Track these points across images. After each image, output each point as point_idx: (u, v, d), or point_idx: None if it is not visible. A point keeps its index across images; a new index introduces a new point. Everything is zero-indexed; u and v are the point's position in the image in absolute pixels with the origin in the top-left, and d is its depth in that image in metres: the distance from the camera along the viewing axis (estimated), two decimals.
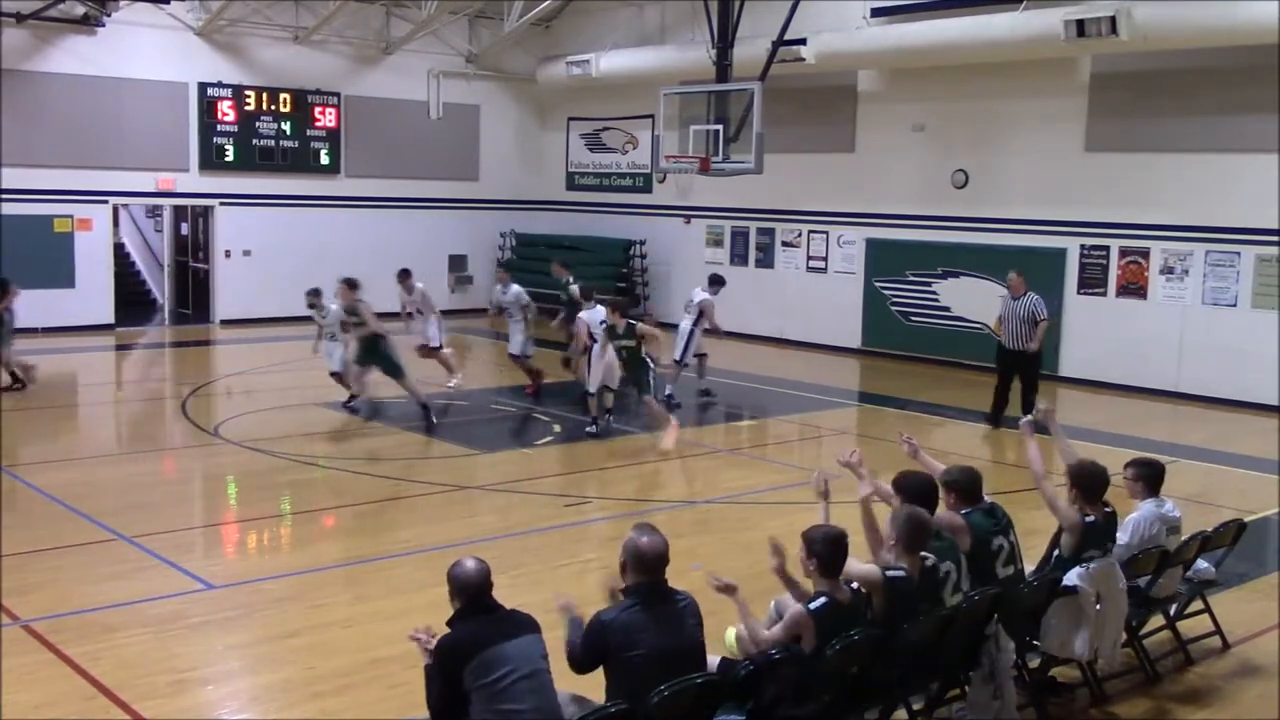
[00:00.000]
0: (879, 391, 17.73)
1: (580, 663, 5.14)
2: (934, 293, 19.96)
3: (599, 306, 14.20)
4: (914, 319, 20.25)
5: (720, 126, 17.99)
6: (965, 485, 6.50)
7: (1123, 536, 6.91)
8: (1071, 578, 6.45)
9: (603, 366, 13.44)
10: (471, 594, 5.00)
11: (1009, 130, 18.94)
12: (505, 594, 5.18)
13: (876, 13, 19.38)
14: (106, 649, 7.04)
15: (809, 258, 21.92)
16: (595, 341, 13.73)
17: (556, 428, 14.25)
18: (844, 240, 21.34)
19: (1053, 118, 18.38)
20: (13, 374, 15.55)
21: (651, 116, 21.14)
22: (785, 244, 22.31)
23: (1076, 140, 18.14)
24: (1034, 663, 6.60)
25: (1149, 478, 7.22)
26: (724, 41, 18.39)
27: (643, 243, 24.53)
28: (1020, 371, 14.80)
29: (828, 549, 5.48)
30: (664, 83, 19.89)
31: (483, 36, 25.17)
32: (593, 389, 13.75)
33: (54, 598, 7.93)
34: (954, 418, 15.56)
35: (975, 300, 19.17)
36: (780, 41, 18.55)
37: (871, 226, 20.82)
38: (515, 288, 16.52)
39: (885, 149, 20.50)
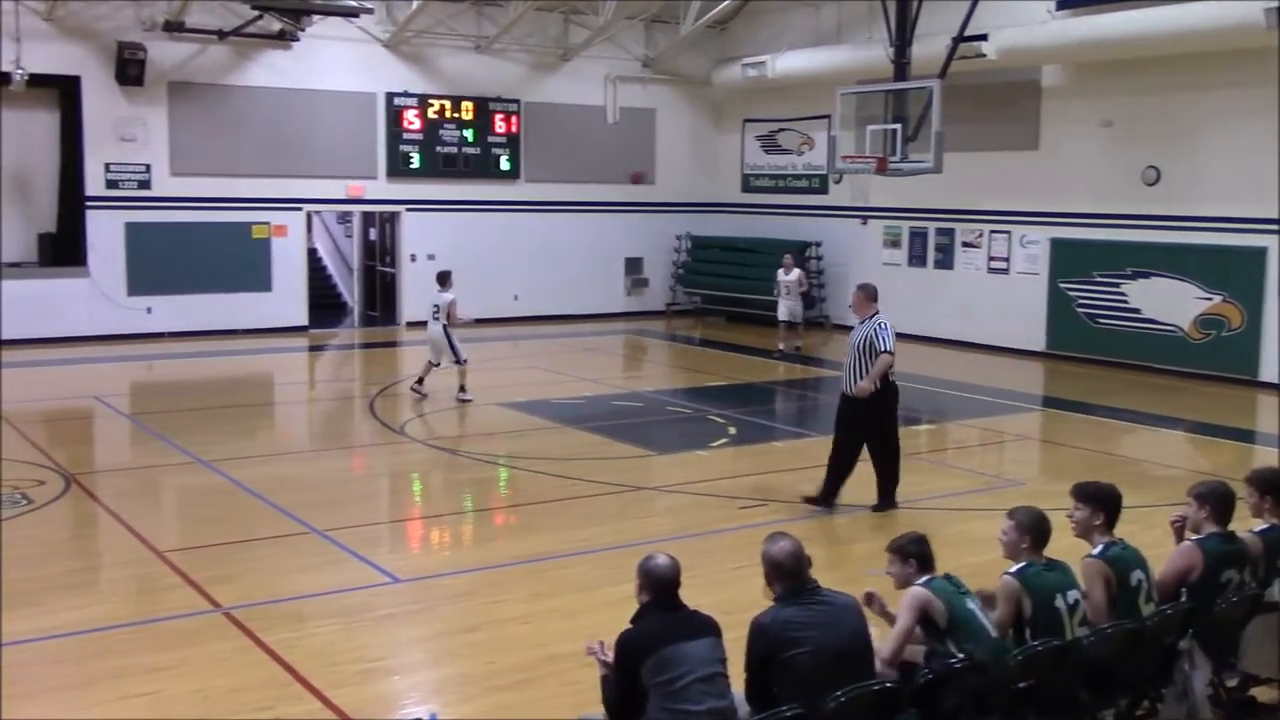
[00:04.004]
0: (1064, 396, 17.17)
1: (750, 679, 5.04)
2: (1122, 294, 19.23)
3: None
4: (1101, 321, 19.55)
5: (898, 126, 17.70)
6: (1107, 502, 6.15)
7: None
8: (1274, 593, 6.14)
9: None
10: (661, 589, 5.03)
11: (1203, 124, 18.11)
12: (682, 595, 5.21)
13: (1062, 5, 18.80)
14: (300, 637, 7.34)
15: (990, 258, 21.39)
16: None
17: (731, 430, 14.26)
18: (1027, 240, 20.74)
19: (1250, 110, 17.49)
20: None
21: (828, 117, 21.00)
22: (965, 244, 21.82)
23: (1276, 133, 17.23)
24: (1232, 681, 6.30)
25: None
26: (902, 39, 18.10)
27: (818, 244, 24.32)
28: (865, 433, 10.43)
29: (1038, 525, 5.67)
30: (840, 83, 19.69)
31: (658, 40, 25.35)
32: None
33: (252, 587, 8.31)
34: (1144, 424, 14.96)
35: (1168, 301, 18.41)
36: (960, 38, 18.17)
37: (1056, 226, 20.18)
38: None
39: (1071, 146, 19.85)
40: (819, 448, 13.54)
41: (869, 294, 10.52)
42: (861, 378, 10.17)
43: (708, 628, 5.01)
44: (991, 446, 14.21)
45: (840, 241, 24.03)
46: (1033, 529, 5.69)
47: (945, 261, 22.18)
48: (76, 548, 9.82)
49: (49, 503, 10.48)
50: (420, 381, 15.93)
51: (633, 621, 5.05)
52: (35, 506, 10.32)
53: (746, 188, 26.42)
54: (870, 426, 10.38)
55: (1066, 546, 5.95)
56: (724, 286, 24.91)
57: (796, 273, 20.35)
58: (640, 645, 4.89)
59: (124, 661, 6.95)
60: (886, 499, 10.52)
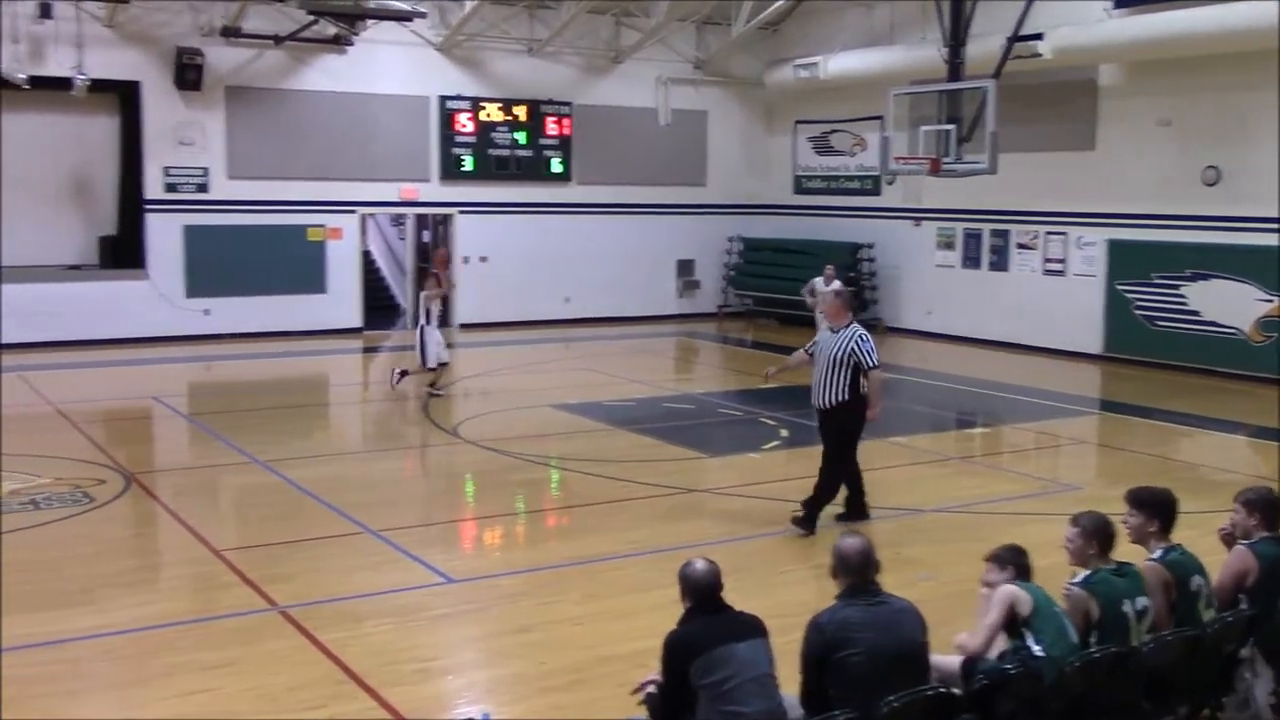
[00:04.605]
0: (1122, 399, 16.96)
1: (805, 678, 5.04)
2: (1182, 296, 18.96)
3: None
4: (1160, 323, 19.28)
5: (952, 126, 17.59)
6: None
7: None
8: None
9: None
10: (701, 594, 5.05)
11: (1264, 123, 17.79)
12: (732, 598, 5.21)
13: (1120, 3, 18.57)
14: (355, 636, 7.41)
15: (1046, 260, 21.16)
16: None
17: (784, 432, 14.22)
18: (1084, 241, 20.50)
19: None
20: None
21: (880, 118, 20.87)
22: (1021, 246, 21.60)
23: None
24: None
25: None
26: (956, 39, 17.98)
27: (871, 246, 24.19)
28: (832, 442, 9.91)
29: (1103, 530, 5.60)
30: (893, 83, 19.59)
31: (710, 42, 25.34)
32: None
33: (308, 586, 8.40)
34: (1203, 428, 14.75)
35: (1228, 304, 18.13)
36: (1016, 37, 18.02)
37: (1113, 227, 19.93)
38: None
39: (1128, 146, 19.60)
40: (870, 451, 13.47)
41: (847, 301, 10.07)
42: (837, 391, 9.59)
43: (755, 629, 5.02)
44: (1047, 450, 14.06)
45: (893, 243, 23.89)
46: (1098, 534, 5.63)
47: (1000, 263, 21.98)
48: (136, 546, 9.98)
49: (109, 501, 10.65)
50: (433, 384, 16.18)
51: (680, 624, 5.06)
52: (96, 505, 10.50)
53: (798, 189, 26.34)
54: (827, 436, 9.86)
55: (1124, 553, 5.87)
56: (776, 289, 24.82)
57: (837, 283, 18.97)
58: (688, 645, 4.90)
59: (182, 659, 7.05)
60: (809, 520, 9.72)
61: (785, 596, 7.90)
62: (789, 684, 5.11)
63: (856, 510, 10.09)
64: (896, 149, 18.57)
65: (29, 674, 6.80)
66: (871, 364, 9.57)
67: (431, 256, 16.36)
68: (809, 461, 12.74)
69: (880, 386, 9.82)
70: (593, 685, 6.72)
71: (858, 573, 5.09)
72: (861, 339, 9.59)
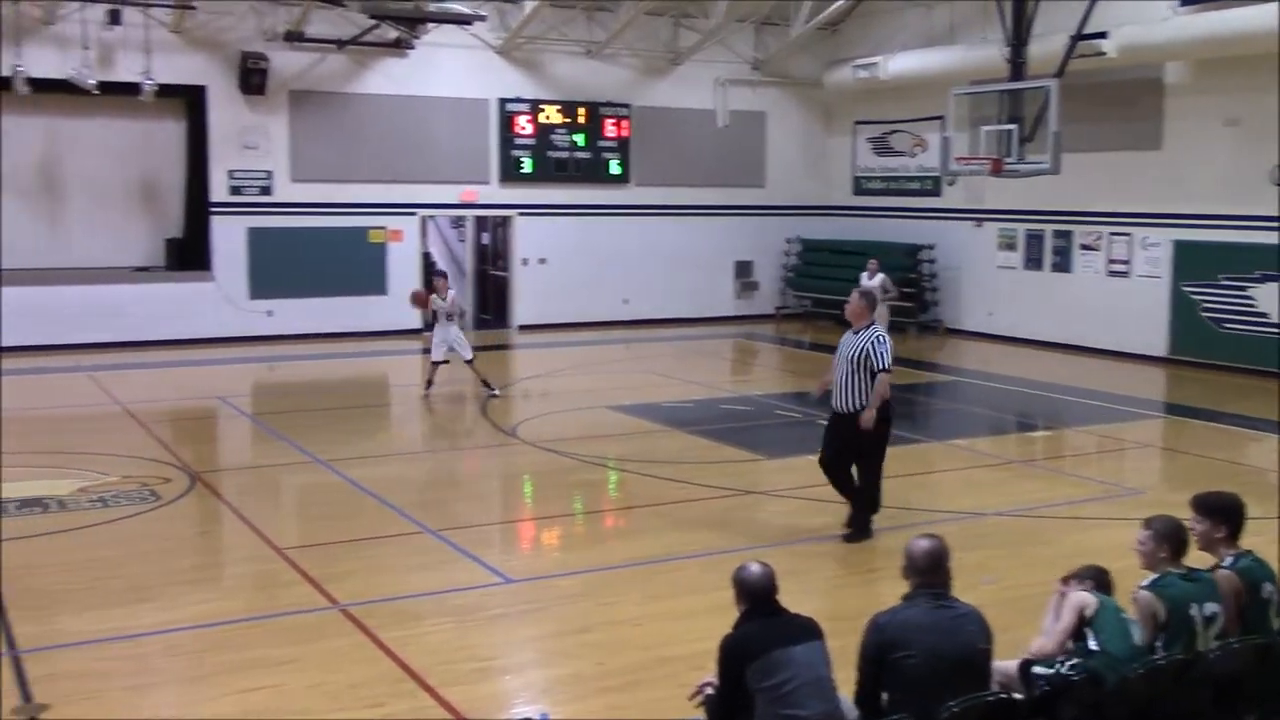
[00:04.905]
0: (1187, 402, 16.67)
1: (861, 677, 5.04)
2: (1250, 298, 18.62)
3: None
4: (1227, 326, 18.94)
5: (1014, 126, 17.43)
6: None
7: None
8: None
9: None
10: (756, 597, 5.04)
11: None
12: (790, 601, 5.19)
13: (1185, 1, 18.28)
14: (414, 635, 7.47)
15: (1110, 261, 20.86)
16: None
17: None
18: (1149, 242, 20.19)
19: None
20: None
21: (941, 118, 20.71)
22: (1084, 247, 21.32)
23: None
24: None
25: None
26: (1019, 38, 17.80)
27: (931, 247, 24.00)
28: (856, 453, 9.58)
29: (1175, 534, 5.52)
30: (954, 83, 19.45)
31: (769, 43, 25.26)
32: None
33: (368, 584, 8.48)
34: (1272, 432, 14.46)
35: None
36: (1079, 36, 17.80)
37: (1179, 228, 19.62)
38: (451, 292, 16.44)
39: (1195, 145, 19.28)
40: (930, 454, 13.42)
41: (870, 303, 9.58)
42: (857, 394, 9.24)
43: (811, 632, 5.00)
44: (1110, 454, 13.87)
45: (953, 244, 23.68)
46: (1170, 538, 5.55)
47: (1063, 264, 21.71)
48: (200, 544, 10.14)
49: (175, 499, 10.82)
50: (486, 384, 16.21)
51: (735, 627, 5.06)
52: (162, 503, 10.67)
53: (858, 190, 26.19)
54: (855, 447, 9.46)
55: (1196, 559, 5.78)
56: (834, 290, 24.58)
57: (881, 278, 19.23)
58: (745, 648, 4.89)
59: (245, 655, 7.14)
60: (860, 528, 9.53)
61: (842, 600, 7.87)
62: (845, 687, 5.08)
63: (859, 526, 9.58)
64: (957, 149, 18.43)
65: (96, 669, 6.93)
66: (882, 366, 9.19)
67: (434, 280, 16.49)
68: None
69: (885, 391, 9.25)
70: (650, 686, 6.73)
71: (923, 574, 5.07)
72: (879, 340, 9.28)
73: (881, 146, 25.54)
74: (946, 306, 23.80)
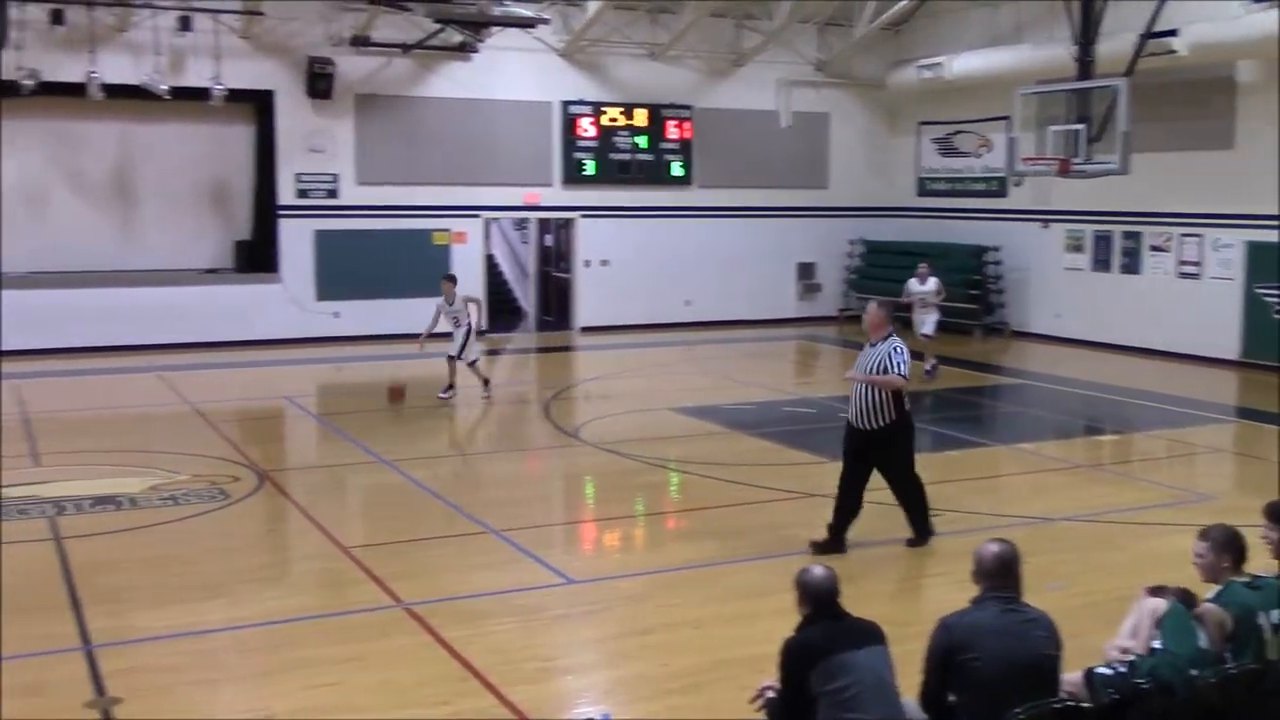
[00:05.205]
0: (1260, 407, 16.33)
1: (927, 677, 5.02)
2: None
3: None
4: None
5: (1082, 126, 17.19)
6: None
7: None
8: None
9: None
10: (820, 600, 5.02)
11: None
12: (852, 605, 5.17)
13: None
14: (478, 634, 7.52)
15: (1180, 263, 20.51)
16: None
17: None
18: (1221, 243, 19.83)
19: None
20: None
21: (1006, 118, 20.48)
22: (1154, 248, 20.99)
23: None
24: None
25: None
26: (1086, 37, 17.56)
27: (997, 248, 23.74)
28: (880, 469, 9.32)
29: (1234, 542, 5.45)
30: (1020, 83, 19.21)
31: (832, 43, 25.13)
32: None
33: (432, 584, 8.55)
34: None
35: None
36: (1149, 34, 17.52)
37: (1253, 229, 19.24)
38: (466, 294, 16.35)
39: (1268, 144, 18.85)
40: (996, 458, 13.30)
41: (888, 313, 9.23)
42: (880, 411, 8.92)
43: (874, 636, 4.99)
44: (1180, 458, 13.64)
45: (1020, 246, 23.40)
46: (1230, 546, 5.46)
47: (1132, 266, 21.38)
48: (268, 542, 10.30)
49: (243, 498, 10.99)
50: (486, 383, 16.28)
51: (798, 630, 5.04)
52: (231, 501, 10.84)
53: (922, 191, 25.98)
54: (880, 463, 9.23)
55: (1260, 568, 5.68)
56: (898, 292, 24.38)
57: (933, 282, 18.28)
58: (807, 652, 4.88)
59: (311, 652, 7.23)
60: (922, 532, 9.41)
61: (907, 605, 7.81)
62: (909, 692, 5.05)
63: (835, 541, 9.26)
64: (1024, 150, 18.23)
65: (166, 664, 7.06)
66: (896, 370, 8.83)
67: (442, 283, 16.42)
68: (932, 467, 12.56)
69: (888, 389, 8.91)
70: (711, 689, 6.72)
71: (992, 579, 5.04)
72: (896, 349, 8.90)
73: (946, 147, 25.31)
74: (1012, 309, 23.54)
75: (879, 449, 9.12)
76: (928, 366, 17.66)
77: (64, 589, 8.33)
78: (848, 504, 9.31)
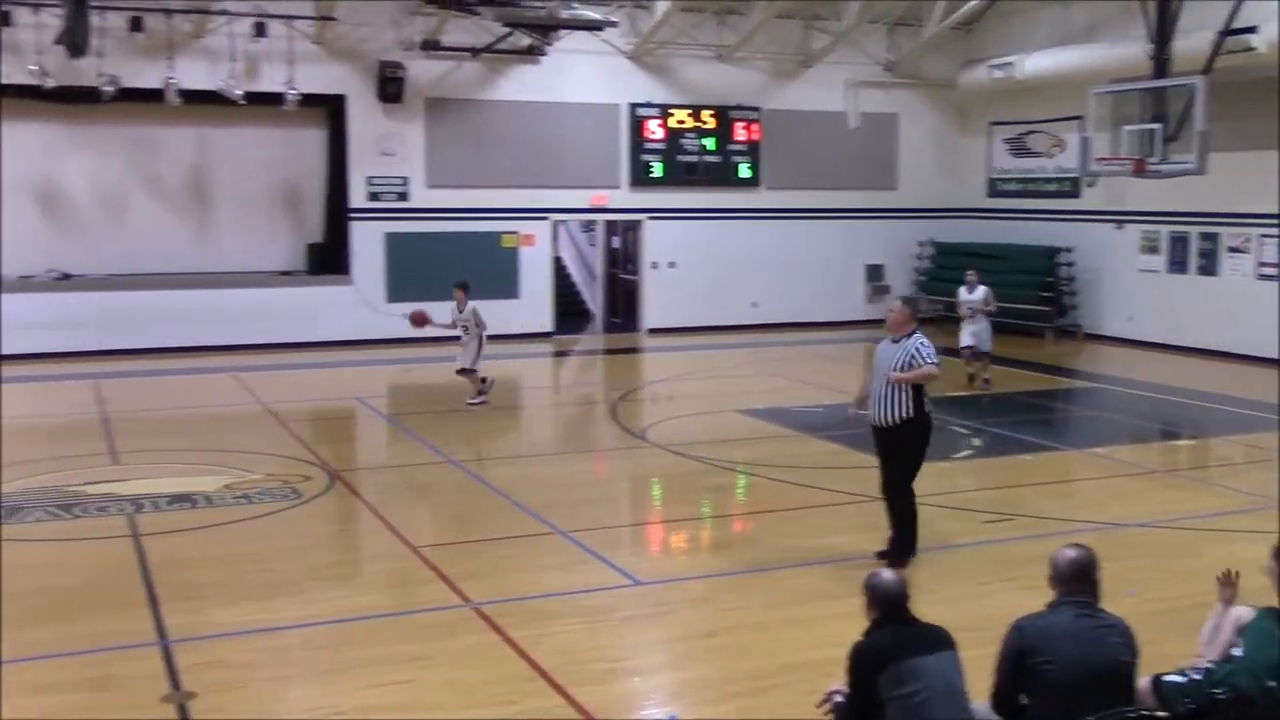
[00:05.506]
0: None
1: (999, 679, 4.97)
2: None
3: None
4: None
5: (1158, 125, 16.90)
6: None
7: None
8: None
9: None
10: (889, 605, 5.00)
11: None
12: (921, 609, 5.14)
13: None
14: (545, 635, 7.56)
15: (1260, 264, 20.07)
16: None
17: (976, 441, 13.89)
18: None
19: None
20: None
21: (1080, 118, 20.19)
22: (1232, 249, 20.56)
23: None
24: None
25: None
26: (1163, 35, 17.27)
27: (1070, 250, 23.41)
28: (895, 466, 9.03)
29: None
30: (1093, 82, 18.94)
31: (901, 44, 24.94)
32: None
33: (500, 584, 8.61)
34: None
35: None
36: (1227, 31, 17.18)
37: None
38: (470, 305, 15.91)
39: None
40: (1068, 462, 13.12)
41: (913, 311, 9.09)
42: (900, 406, 8.70)
43: (944, 641, 4.96)
44: (1258, 464, 13.32)
45: (1093, 247, 23.05)
46: None
47: (1209, 267, 20.97)
48: (339, 541, 10.42)
49: (315, 497, 11.15)
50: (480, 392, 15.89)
51: (866, 635, 5.03)
52: (302, 500, 11.00)
53: (992, 192, 25.69)
54: (889, 458, 8.98)
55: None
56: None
57: (982, 290, 17.56)
58: (876, 656, 4.86)
59: (380, 650, 7.31)
60: (903, 547, 8.95)
61: (977, 610, 7.72)
62: (979, 698, 5.01)
63: (902, 547, 8.98)
64: (1098, 150, 17.97)
65: (240, 660, 7.18)
66: (926, 361, 8.67)
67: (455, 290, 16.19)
68: (1002, 471, 12.51)
69: (926, 377, 8.70)
70: (777, 692, 6.70)
71: (1068, 583, 5.01)
72: (922, 344, 8.75)
73: (1018, 147, 25.00)
74: (1085, 311, 23.19)
75: (891, 443, 8.93)
76: (981, 376, 17.38)
77: (142, 585, 8.50)
78: (899, 512, 9.08)
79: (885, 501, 9.17)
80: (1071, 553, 5.03)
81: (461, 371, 15.87)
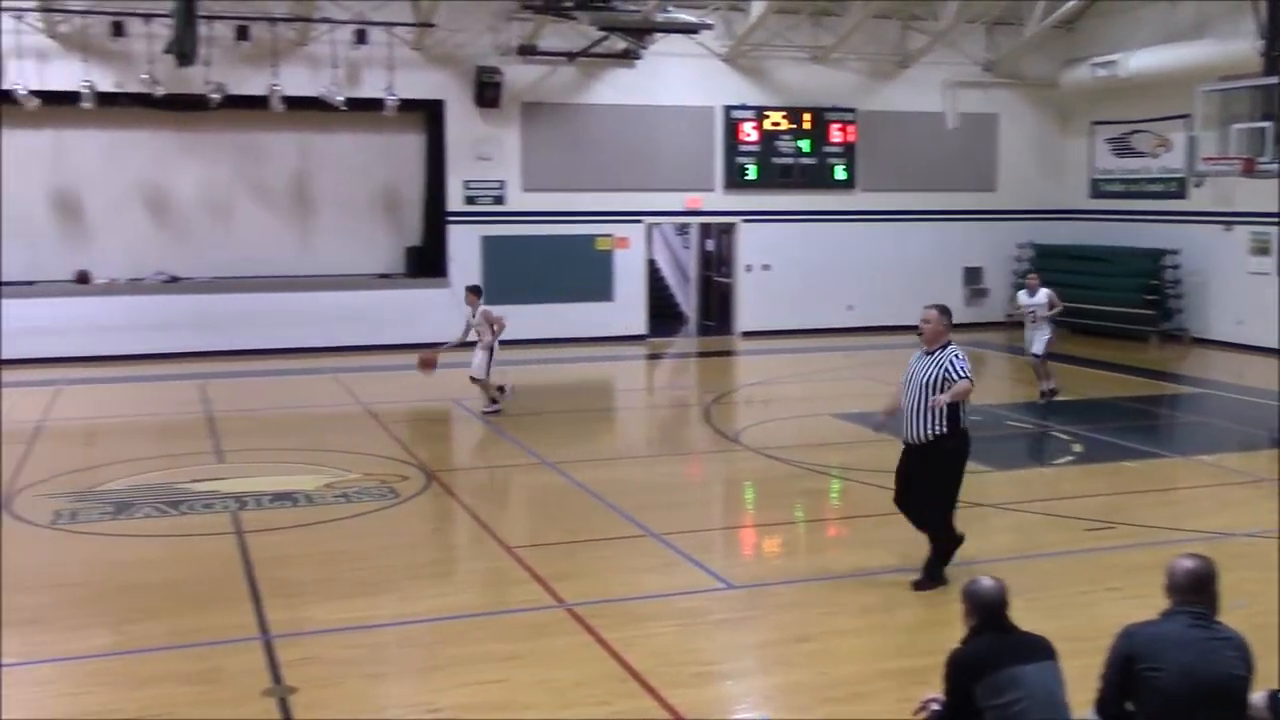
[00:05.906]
0: None
1: (1104, 683, 4.86)
2: None
3: None
4: None
5: (1268, 124, 16.46)
6: None
7: None
8: None
9: None
10: (989, 612, 4.93)
11: None
12: (1020, 618, 5.05)
13: None
14: (638, 636, 7.57)
15: None
16: None
17: (1077, 447, 13.62)
18: None
19: None
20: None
21: (1186, 117, 19.72)
22: None
23: None
24: None
25: None
26: (1274, 31, 16.79)
27: (1176, 252, 22.83)
28: (924, 486, 8.49)
29: None
30: (1200, 80, 18.50)
31: (1000, 43, 24.56)
32: None
33: (593, 585, 8.65)
34: None
35: None
36: None
37: None
38: (487, 309, 15.56)
39: None
40: (1173, 470, 12.80)
41: (949, 322, 8.48)
42: (933, 422, 8.21)
43: (1044, 650, 4.89)
44: None
45: (1200, 249, 22.46)
46: None
47: None
48: (435, 540, 10.57)
49: (412, 497, 11.30)
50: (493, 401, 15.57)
51: (964, 643, 4.95)
52: (400, 500, 11.16)
53: (1095, 193, 25.17)
54: (923, 477, 8.42)
55: None
56: (1070, 297, 23.55)
57: (1044, 294, 16.53)
58: (975, 665, 4.80)
59: (475, 649, 7.39)
60: (931, 574, 8.45)
61: (1079, 619, 7.57)
62: (1081, 709, 4.91)
63: (932, 574, 8.47)
64: (1205, 149, 17.56)
65: (338, 656, 7.30)
66: (960, 375, 8.16)
67: (466, 294, 15.89)
68: (1104, 478, 12.24)
69: (964, 390, 8.18)
70: (872, 699, 6.63)
71: (1183, 593, 4.88)
72: (957, 357, 8.25)
73: (1121, 147, 24.46)
74: (1192, 314, 22.61)
75: (925, 462, 8.38)
76: (1044, 387, 16.32)
77: (245, 581, 8.70)
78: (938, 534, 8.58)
79: (907, 516, 8.69)
80: (1189, 563, 4.90)
81: (474, 380, 15.66)
